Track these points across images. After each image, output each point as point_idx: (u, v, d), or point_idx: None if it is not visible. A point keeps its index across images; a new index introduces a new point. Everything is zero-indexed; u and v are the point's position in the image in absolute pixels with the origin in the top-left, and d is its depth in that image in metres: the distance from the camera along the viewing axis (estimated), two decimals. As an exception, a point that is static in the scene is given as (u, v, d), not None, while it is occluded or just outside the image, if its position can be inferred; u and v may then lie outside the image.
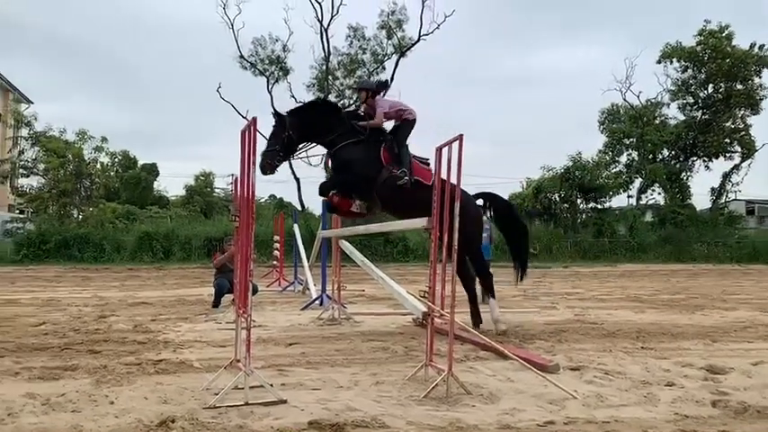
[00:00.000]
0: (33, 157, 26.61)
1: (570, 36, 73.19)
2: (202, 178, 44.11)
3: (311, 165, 24.24)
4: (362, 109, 7.18)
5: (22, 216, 28.18)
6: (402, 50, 32.42)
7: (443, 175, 4.62)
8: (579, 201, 27.64)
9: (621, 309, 9.49)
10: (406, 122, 6.90)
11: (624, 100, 33.15)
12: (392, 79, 32.37)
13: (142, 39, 67.41)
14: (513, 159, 73.17)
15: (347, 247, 8.02)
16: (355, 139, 6.66)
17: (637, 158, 31.58)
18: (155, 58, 67.88)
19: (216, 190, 45.65)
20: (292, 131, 6.56)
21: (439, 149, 4.76)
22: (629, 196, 32.79)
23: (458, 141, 4.40)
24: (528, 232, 7.98)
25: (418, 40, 32.16)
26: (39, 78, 68.25)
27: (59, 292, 11.70)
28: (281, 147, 6.57)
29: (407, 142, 6.88)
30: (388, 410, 3.79)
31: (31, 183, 28.14)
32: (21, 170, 27.31)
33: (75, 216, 25.76)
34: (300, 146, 6.87)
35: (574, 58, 71.31)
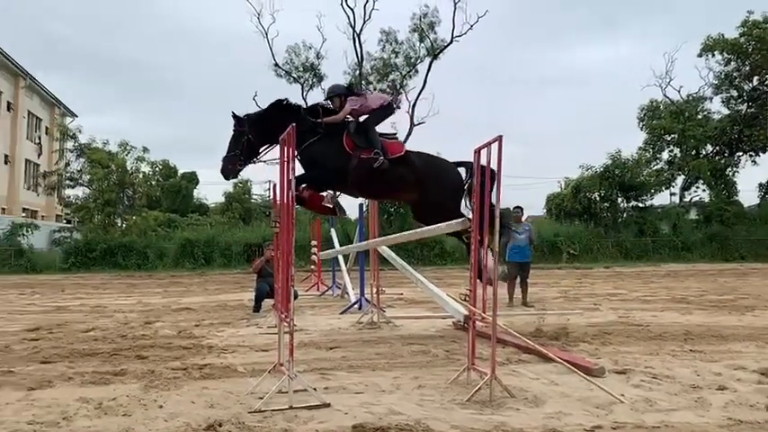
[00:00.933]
0: (79, 168, 27.49)
1: (605, 32, 71.95)
2: (240, 185, 44.76)
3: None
4: (331, 104, 7.03)
5: (69, 225, 29.09)
6: (435, 53, 32.41)
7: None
8: (620, 199, 27.02)
9: (667, 310, 9.24)
10: (378, 108, 6.79)
11: (664, 95, 32.37)
12: (425, 82, 32.44)
13: (180, 51, 68.95)
14: (550, 159, 72.22)
15: (385, 250, 8.03)
16: (316, 137, 6.53)
17: (679, 155, 30.73)
18: (192, 70, 69.35)
19: (254, 196, 46.29)
20: (252, 135, 6.51)
21: (478, 151, 4.73)
22: (671, 194, 31.96)
23: (497, 142, 4.36)
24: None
25: (451, 41, 32.11)
26: (82, 93, 70.43)
27: (106, 299, 12.04)
28: (242, 151, 6.51)
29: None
30: (432, 414, 3.77)
31: (77, 193, 29.05)
32: (67, 181, 28.26)
33: (119, 225, 26.46)
34: (262, 149, 6.77)
35: (609, 54, 70.18)
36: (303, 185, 6.55)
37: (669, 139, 30.86)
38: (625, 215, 27.06)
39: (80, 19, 69.80)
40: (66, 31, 69.43)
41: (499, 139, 4.33)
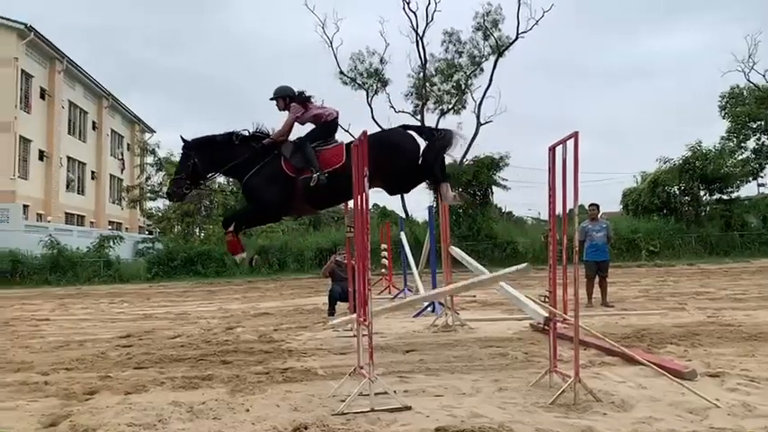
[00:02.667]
0: (159, 181, 28.88)
1: (674, 20, 68.83)
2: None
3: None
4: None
5: (151, 236, 30.58)
6: (500, 50, 31.98)
7: (558, 176, 4.48)
8: (702, 192, 25.69)
9: (762, 308, 8.70)
10: (322, 124, 6.49)
11: (748, 80, 30.62)
12: (491, 80, 32.09)
13: (250, 65, 71.30)
14: (625, 153, 69.80)
15: (458, 252, 7.97)
16: (257, 168, 6.27)
17: (767, 143, 28.95)
18: (261, 82, 71.52)
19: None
20: (197, 159, 6.36)
21: (552, 148, 4.63)
22: (759, 185, 30.16)
23: (572, 139, 4.25)
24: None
25: (516, 38, 31.62)
26: (159, 109, 74.06)
27: (189, 306, 12.56)
28: (188, 174, 6.39)
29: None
30: (515, 417, 3.72)
31: (158, 205, 30.53)
32: (148, 194, 29.77)
33: (198, 234, 27.58)
34: (209, 175, 6.68)
35: (680, 42, 67.01)
36: (230, 229, 6.37)
37: (755, 126, 29.15)
38: (708, 209, 25.70)
39: (154, 39, 73.41)
40: (142, 51, 73.19)
41: (575, 135, 4.23)
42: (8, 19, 26.66)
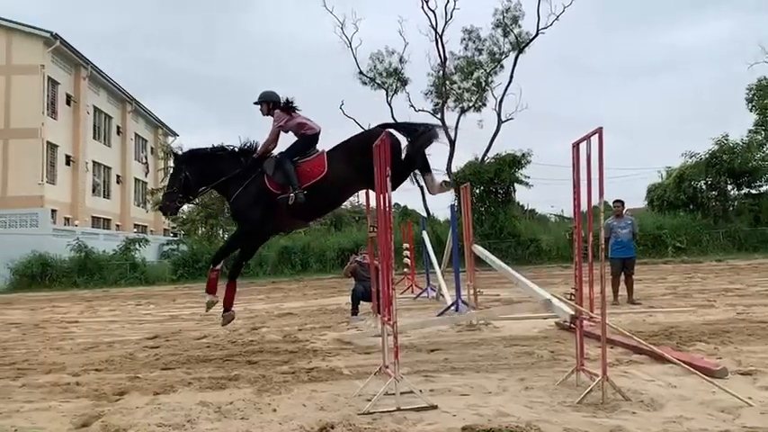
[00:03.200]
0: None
1: (698, 12, 67.63)
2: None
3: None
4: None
5: (176, 239, 30.96)
6: (520, 47, 31.75)
7: (583, 173, 4.43)
8: (729, 187, 25.19)
9: (793, 304, 8.52)
10: (302, 137, 6.45)
11: (776, 72, 29.86)
12: (511, 77, 31.87)
13: (269, 67, 71.75)
14: (649, 149, 68.78)
15: (481, 251, 7.93)
16: (243, 186, 6.30)
17: (796, 135, 28.27)
18: (280, 84, 71.90)
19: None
20: (188, 173, 6.39)
21: (576, 145, 4.58)
22: (790, 178, 29.43)
23: (596, 135, 4.20)
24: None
25: (536, 34, 31.37)
26: (181, 113, 74.99)
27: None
28: (179, 188, 6.41)
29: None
30: (542, 416, 3.69)
31: (182, 207, 30.89)
32: (173, 196, 30.08)
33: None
34: (200, 189, 6.66)
35: (705, 34, 65.81)
36: (220, 264, 6.51)
37: (785, 118, 28.49)
38: (736, 203, 25.20)
39: (175, 43, 74.26)
40: (163, 55, 74.10)
41: (599, 131, 4.17)
42: (35, 27, 27.20)
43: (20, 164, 26.19)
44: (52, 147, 27.88)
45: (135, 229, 35.28)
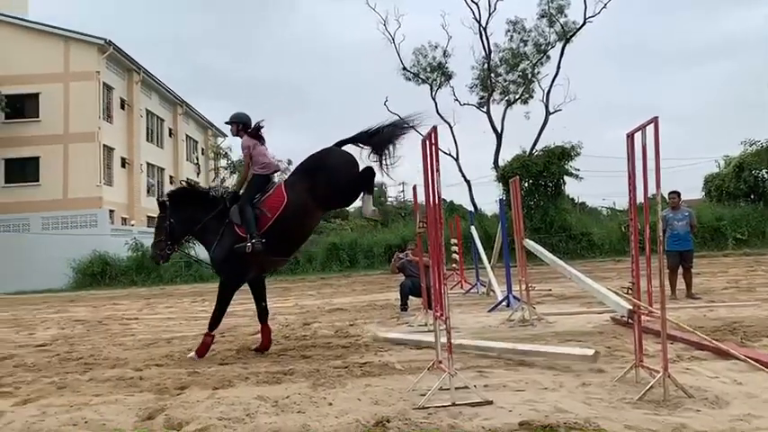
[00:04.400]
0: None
1: (758, -8, 64.56)
2: (375, 189, 46.00)
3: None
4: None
5: (227, 236, 31.64)
6: (566, 36, 31.10)
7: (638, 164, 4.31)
8: (793, 175, 24.05)
9: None
10: (257, 176, 6.40)
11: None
12: (558, 67, 31.28)
13: (316, 67, 72.55)
14: (704, 137, 66.28)
15: (532, 245, 7.83)
16: (218, 238, 6.25)
17: None
18: (326, 83, 72.59)
19: (389, 199, 47.39)
20: (172, 220, 6.43)
21: (630, 135, 4.47)
22: None
23: (652, 124, 4.09)
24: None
25: (584, 23, 30.67)
26: (229, 113, 76.55)
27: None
28: (167, 236, 6.43)
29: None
30: (601, 413, 3.62)
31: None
32: (224, 196, 30.82)
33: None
34: (185, 237, 6.65)
35: (765, 15, 62.76)
36: (215, 330, 6.42)
37: None
38: (802, 192, 24.04)
39: (221, 47, 75.82)
40: (210, 58, 75.78)
41: (654, 120, 4.06)
42: (90, 35, 28.23)
43: (79, 167, 27.25)
44: (109, 150, 28.90)
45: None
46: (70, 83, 27.71)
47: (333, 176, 6.05)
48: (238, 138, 6.59)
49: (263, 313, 6.61)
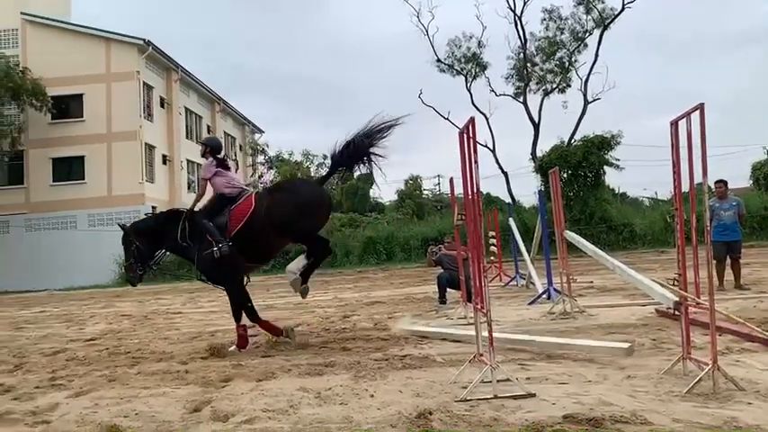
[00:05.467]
0: (271, 179, 30.28)
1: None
2: (411, 182, 45.99)
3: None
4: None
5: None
6: (605, 23, 30.43)
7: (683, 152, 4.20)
8: None
9: None
10: (221, 196, 6.66)
11: None
12: (596, 55, 30.66)
13: (348, 62, 72.71)
14: (750, 124, 64.03)
15: (573, 237, 7.71)
16: (198, 249, 6.48)
17: None
18: (359, 77, 72.72)
19: (425, 192, 47.25)
20: (138, 243, 6.68)
21: (675, 123, 4.36)
22: None
23: (698, 112, 3.97)
24: None
25: (622, 8, 29.99)
26: (266, 110, 77.60)
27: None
28: (135, 259, 6.69)
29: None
30: (648, 406, 3.55)
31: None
32: (262, 191, 31.33)
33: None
34: (158, 253, 6.91)
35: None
36: (241, 321, 6.58)
37: None
38: None
39: (256, 44, 76.60)
40: (245, 56, 76.66)
41: (700, 107, 3.95)
42: (130, 36, 28.91)
43: (122, 165, 27.99)
44: (150, 147, 29.58)
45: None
46: (112, 83, 28.45)
47: (292, 210, 6.25)
48: (204, 159, 6.95)
49: (251, 312, 6.70)
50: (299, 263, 6.42)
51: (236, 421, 3.83)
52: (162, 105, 31.32)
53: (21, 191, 28.72)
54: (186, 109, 34.21)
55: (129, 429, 3.81)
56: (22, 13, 28.63)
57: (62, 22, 29.56)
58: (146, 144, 28.93)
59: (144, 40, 28.76)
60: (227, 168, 6.91)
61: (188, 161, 33.82)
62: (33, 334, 9.29)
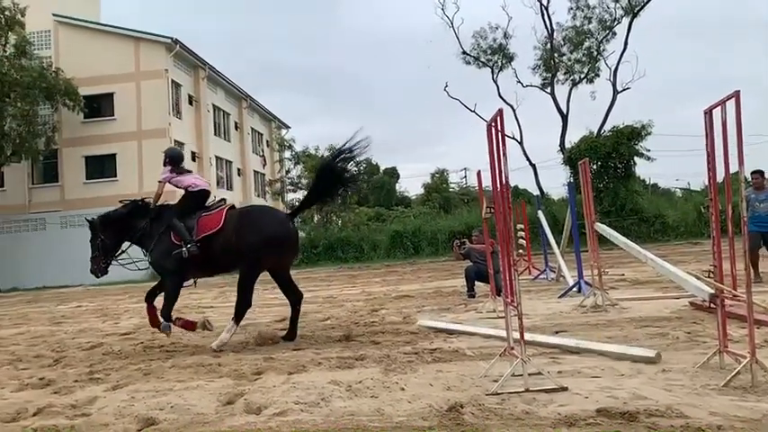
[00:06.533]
0: (297, 174, 30.51)
1: None
2: (437, 176, 45.86)
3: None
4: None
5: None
6: (634, 11, 29.83)
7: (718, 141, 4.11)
8: None
9: None
10: (189, 194, 6.96)
11: None
12: (625, 44, 30.09)
13: (373, 55, 72.70)
14: (783, 110, 62.13)
15: (604, 229, 7.61)
16: (155, 240, 6.75)
17: None
18: (385, 72, 72.65)
19: (451, 185, 47.06)
20: (103, 236, 6.91)
21: (709, 111, 4.26)
22: None
23: (733, 99, 3.88)
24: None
25: (652, -5, 29.26)
26: (292, 106, 78.11)
27: (334, 290, 13.17)
28: (99, 251, 6.91)
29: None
30: (683, 400, 3.50)
31: (299, 196, 32.32)
32: (289, 186, 31.58)
33: (336, 221, 28.84)
34: (123, 245, 7.12)
35: None
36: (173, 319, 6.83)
37: None
38: None
39: (281, 40, 76.98)
40: (270, 52, 77.10)
41: (736, 95, 3.85)
42: (158, 35, 29.34)
43: (153, 162, 28.38)
44: (179, 145, 29.97)
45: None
46: (141, 82, 28.94)
47: (255, 240, 6.41)
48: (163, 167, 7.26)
49: (153, 295, 7.08)
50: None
51: (269, 414, 3.87)
52: (190, 103, 31.74)
53: (56, 188, 29.45)
54: (214, 106, 34.61)
55: (165, 422, 3.89)
56: (54, 15, 29.25)
57: (92, 22, 30.16)
58: (175, 141, 29.35)
59: (172, 38, 29.17)
60: (184, 173, 7.30)
61: (216, 158, 34.25)
62: (71, 328, 9.53)
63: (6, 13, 25.53)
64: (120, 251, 7.19)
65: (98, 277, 7.25)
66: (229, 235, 6.46)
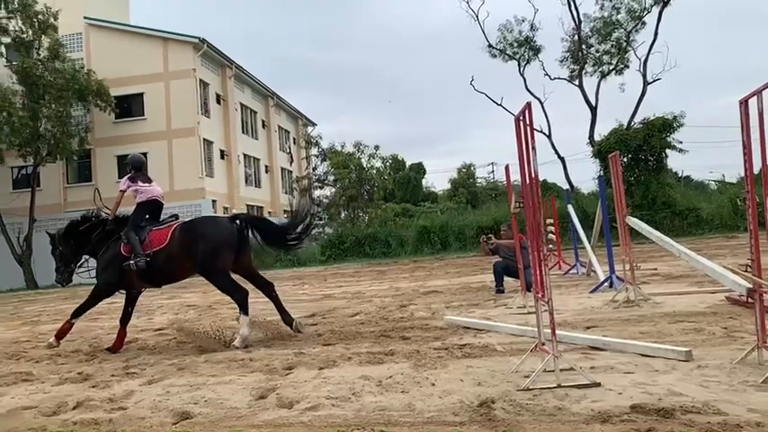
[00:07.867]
0: (324, 170, 30.67)
1: None
2: (464, 170, 45.63)
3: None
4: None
5: (321, 222, 32.66)
6: (664, 0, 29.16)
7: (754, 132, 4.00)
8: None
9: None
10: (141, 203, 7.07)
11: None
12: (656, 34, 29.46)
13: (397, 51, 72.55)
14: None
15: (636, 223, 7.48)
16: (105, 248, 6.98)
17: None
18: (410, 68, 72.48)
19: (478, 180, 46.79)
20: (61, 248, 7.20)
21: (744, 101, 4.16)
22: None
23: (770, 89, 3.78)
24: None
25: (684, -17, 28.57)
26: (318, 103, 78.49)
27: (362, 286, 13.22)
28: (61, 263, 7.25)
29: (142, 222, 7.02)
30: (720, 396, 3.43)
31: (326, 192, 32.49)
32: (316, 183, 31.76)
33: (363, 217, 28.92)
34: (78, 258, 7.35)
35: None
36: (76, 318, 7.06)
37: None
38: None
39: (308, 39, 77.32)
40: (295, 50, 77.54)
41: (773, 84, 3.75)
42: (186, 35, 29.73)
43: (182, 160, 28.90)
44: (208, 143, 30.41)
45: (285, 215, 37.58)
46: (170, 81, 29.36)
47: (205, 246, 6.63)
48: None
49: (126, 318, 7.20)
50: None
51: (301, 408, 3.92)
52: (218, 101, 32.09)
53: (90, 187, 30.00)
54: (241, 104, 34.95)
55: (199, 416, 3.96)
56: (85, 18, 29.84)
57: (122, 24, 30.70)
58: (204, 140, 29.75)
59: (199, 38, 29.51)
60: (150, 181, 7.36)
61: (245, 155, 34.61)
62: (106, 324, 9.73)
63: (40, 17, 26.14)
64: (81, 260, 7.48)
65: (63, 286, 7.66)
66: (175, 250, 6.68)
